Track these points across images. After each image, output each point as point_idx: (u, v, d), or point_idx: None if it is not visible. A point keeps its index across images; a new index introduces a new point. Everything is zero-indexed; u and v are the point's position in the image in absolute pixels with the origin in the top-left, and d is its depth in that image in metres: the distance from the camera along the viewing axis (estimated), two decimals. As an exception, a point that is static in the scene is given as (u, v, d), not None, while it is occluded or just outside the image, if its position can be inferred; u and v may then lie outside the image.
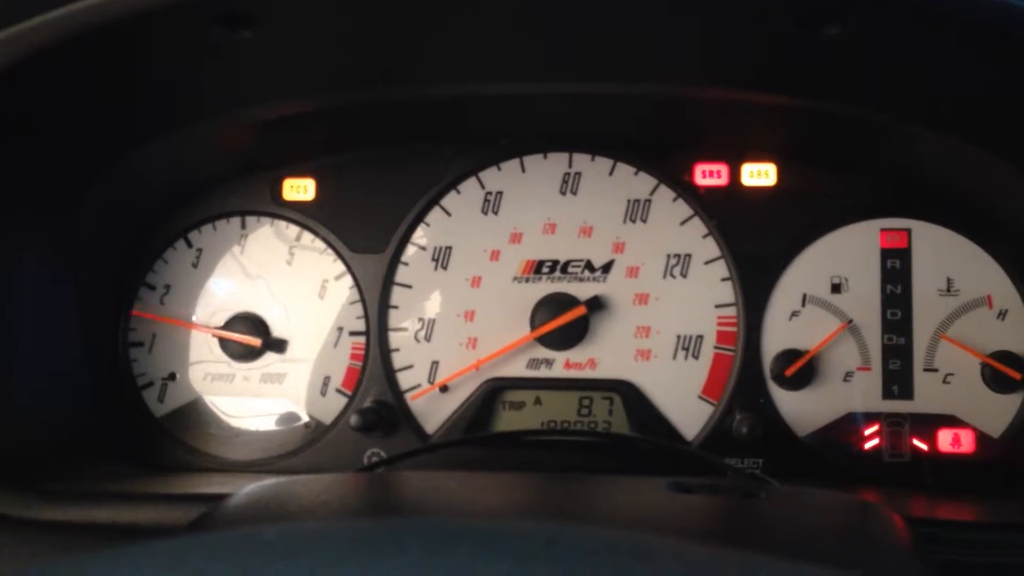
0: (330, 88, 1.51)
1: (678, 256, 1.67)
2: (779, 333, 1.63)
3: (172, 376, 1.74)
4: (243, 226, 1.76)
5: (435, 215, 1.72)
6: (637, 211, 1.69)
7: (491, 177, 1.72)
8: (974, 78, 1.27)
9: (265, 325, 1.73)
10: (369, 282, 1.72)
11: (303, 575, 0.48)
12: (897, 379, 1.60)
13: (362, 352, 1.71)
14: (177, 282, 1.75)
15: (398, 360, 1.71)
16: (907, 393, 1.60)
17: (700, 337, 1.66)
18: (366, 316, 1.71)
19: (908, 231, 1.62)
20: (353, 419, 1.63)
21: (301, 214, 1.74)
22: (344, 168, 1.75)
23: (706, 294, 1.66)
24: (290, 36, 1.28)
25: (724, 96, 1.47)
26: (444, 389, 1.69)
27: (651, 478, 1.18)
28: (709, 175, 1.68)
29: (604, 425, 1.66)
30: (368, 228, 1.72)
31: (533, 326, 1.67)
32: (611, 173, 1.70)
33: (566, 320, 1.65)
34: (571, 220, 1.70)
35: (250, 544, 0.54)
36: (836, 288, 1.63)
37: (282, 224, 1.75)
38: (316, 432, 1.71)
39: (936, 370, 1.60)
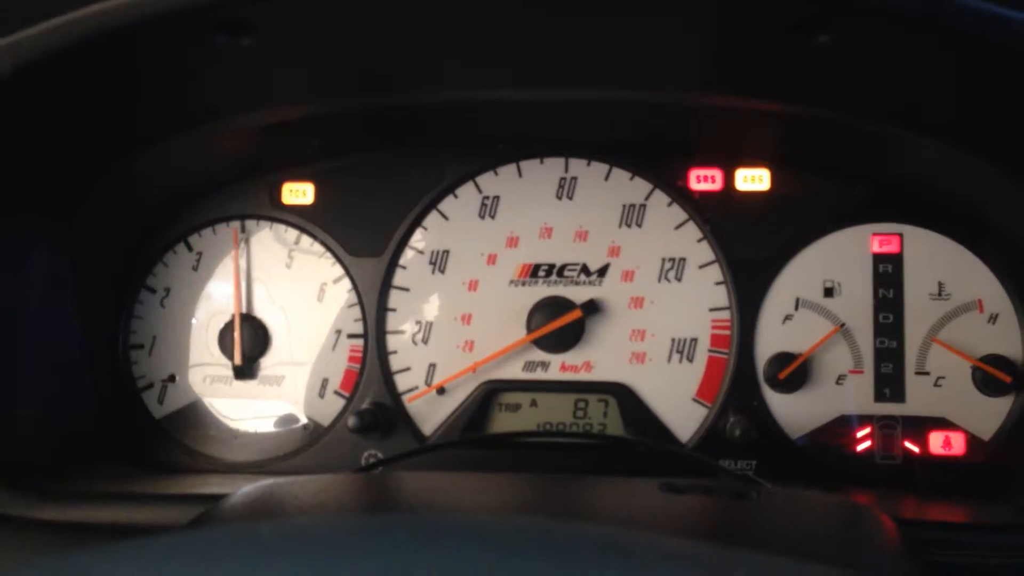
0: (329, 94, 1.53)
1: (673, 260, 1.69)
2: (772, 336, 1.65)
3: (172, 378, 1.76)
4: (243, 230, 1.77)
5: (433, 219, 1.74)
6: (632, 216, 1.71)
7: (488, 182, 1.74)
8: (961, 84, 1.29)
9: (264, 328, 1.75)
10: (367, 285, 1.73)
11: (294, 571, 0.50)
12: (889, 382, 1.62)
13: (360, 355, 1.73)
14: (177, 285, 1.77)
15: (396, 362, 1.72)
16: (899, 396, 1.62)
17: (694, 340, 1.67)
18: (364, 319, 1.73)
19: (900, 236, 1.64)
20: (351, 421, 1.65)
21: (300, 218, 1.76)
22: (343, 173, 1.77)
23: (700, 298, 1.68)
24: (289, 43, 1.30)
25: (718, 103, 1.49)
26: (441, 391, 1.71)
27: (643, 479, 1.20)
28: (704, 180, 1.70)
29: (599, 427, 1.68)
30: (366, 232, 1.74)
31: (529, 329, 1.69)
32: (607, 178, 1.72)
33: (562, 323, 1.67)
34: (567, 224, 1.72)
35: (241, 541, 0.55)
36: (829, 292, 1.65)
37: (281, 228, 1.77)
38: (314, 434, 1.72)
39: (928, 373, 1.61)
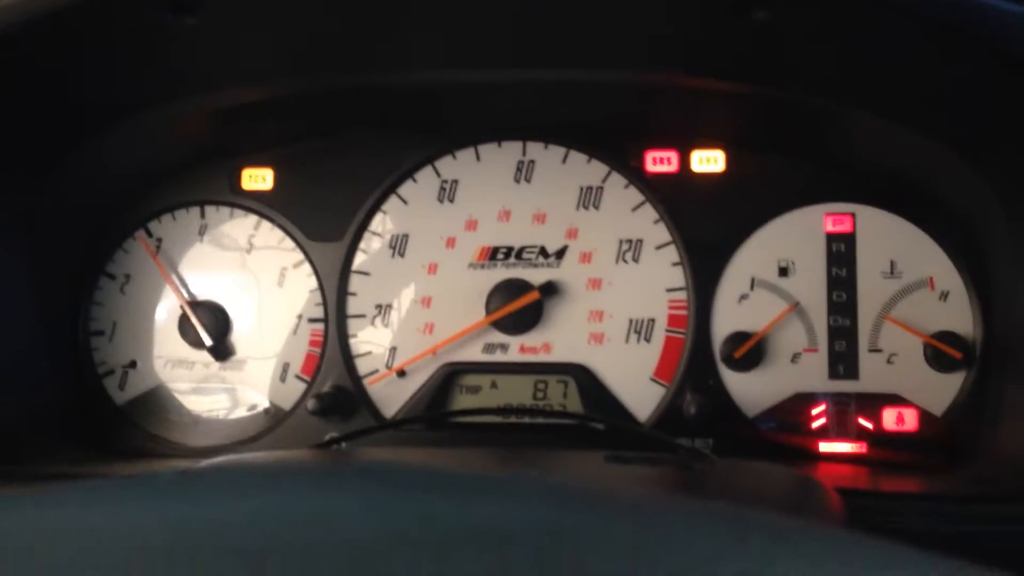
0: (283, 75, 1.54)
1: (630, 242, 1.70)
2: (728, 316, 1.67)
3: (133, 364, 1.76)
4: (202, 215, 1.78)
5: (392, 203, 1.75)
6: (590, 198, 1.72)
7: (447, 166, 1.75)
8: (899, 60, 1.31)
9: (225, 314, 1.75)
10: (327, 270, 1.74)
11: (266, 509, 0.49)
12: (843, 360, 1.64)
13: (321, 339, 1.73)
14: (137, 272, 1.78)
15: (356, 346, 1.73)
16: (852, 373, 1.63)
17: (652, 321, 1.69)
18: (324, 303, 1.74)
19: (853, 215, 1.66)
20: (311, 403, 1.66)
21: (260, 203, 1.77)
22: (302, 158, 1.78)
23: (657, 278, 1.69)
24: (237, 21, 1.31)
25: (666, 81, 1.51)
26: (402, 374, 1.72)
27: (591, 452, 1.21)
28: (660, 162, 1.71)
29: (559, 407, 1.69)
30: (326, 217, 1.75)
31: (488, 311, 1.70)
32: (564, 161, 1.73)
33: (520, 305, 1.68)
34: (525, 207, 1.73)
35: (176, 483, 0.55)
36: (783, 271, 1.67)
37: (241, 214, 1.78)
38: (276, 418, 1.73)
39: (880, 351, 1.63)
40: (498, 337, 1.71)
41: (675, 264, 1.69)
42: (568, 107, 1.68)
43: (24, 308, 1.63)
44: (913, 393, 1.62)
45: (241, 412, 1.74)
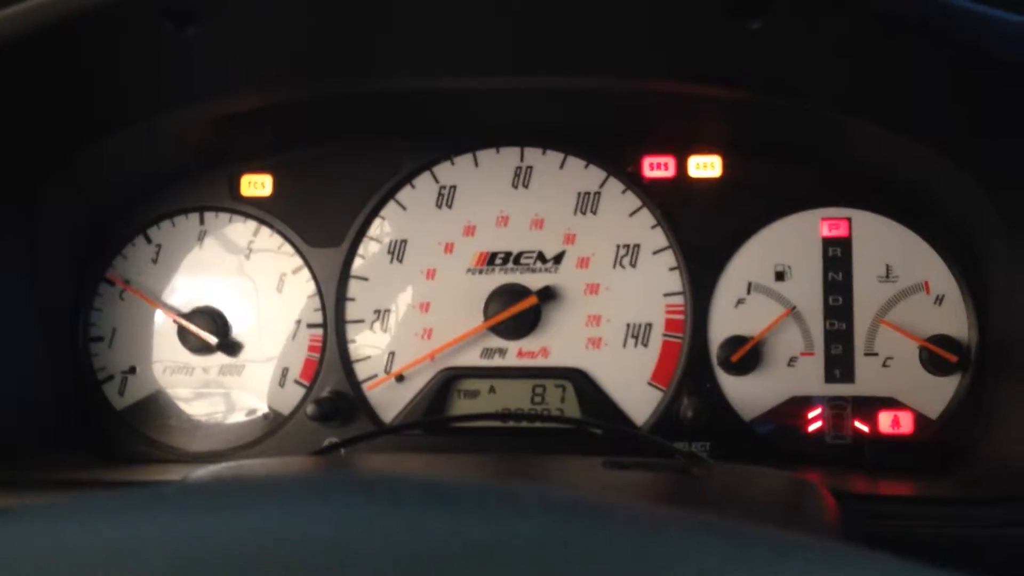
0: (283, 84, 1.55)
1: (627, 247, 1.72)
2: (725, 320, 1.68)
3: (132, 369, 1.77)
4: (202, 222, 1.79)
5: (390, 209, 1.76)
6: (587, 203, 1.73)
7: (445, 171, 1.76)
8: (901, 70, 1.32)
9: (224, 319, 1.76)
10: (326, 275, 1.75)
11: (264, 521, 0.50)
12: (839, 363, 1.65)
13: (320, 344, 1.74)
14: (137, 278, 1.78)
15: (355, 351, 1.74)
16: (848, 377, 1.65)
17: (649, 325, 1.70)
18: (323, 308, 1.75)
19: (849, 220, 1.67)
20: (310, 408, 1.67)
21: (259, 209, 1.78)
22: (301, 164, 1.78)
23: (655, 283, 1.70)
24: (236, 32, 1.32)
25: (663, 89, 1.52)
26: (400, 379, 1.73)
27: (589, 457, 1.22)
28: (657, 167, 1.72)
29: (557, 412, 1.70)
30: (325, 222, 1.76)
31: (486, 316, 1.71)
32: (562, 166, 1.74)
33: (518, 310, 1.69)
34: (523, 213, 1.74)
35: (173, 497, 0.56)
36: (780, 276, 1.68)
37: (240, 220, 1.78)
38: (275, 423, 1.74)
39: (876, 354, 1.65)
40: (496, 342, 1.72)
41: (672, 269, 1.70)
42: (565, 113, 1.69)
43: (24, 314, 1.63)
44: (908, 396, 1.63)
45: (240, 417, 1.75)
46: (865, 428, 1.63)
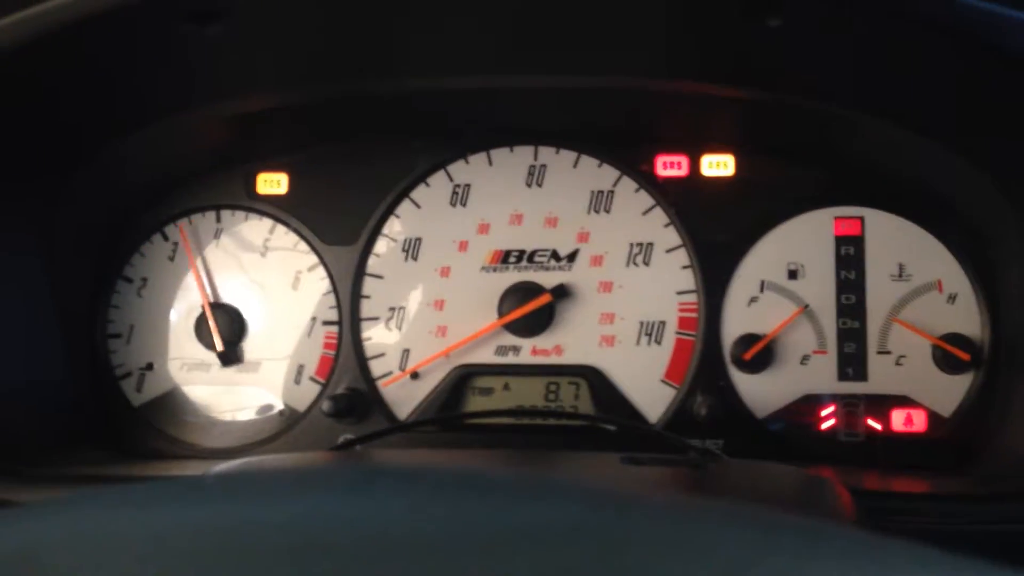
0: (301, 83, 1.56)
1: (640, 245, 1.72)
2: (738, 318, 1.69)
3: (150, 366, 1.79)
4: (218, 220, 1.80)
5: (405, 207, 1.77)
6: (601, 202, 1.74)
7: (459, 170, 1.77)
8: (915, 69, 1.33)
9: (240, 317, 1.78)
10: (341, 273, 1.76)
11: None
12: (852, 361, 1.66)
13: (335, 341, 1.76)
14: (154, 275, 1.80)
15: (370, 348, 1.75)
16: (861, 375, 1.65)
17: (662, 323, 1.71)
18: (338, 306, 1.76)
19: (861, 219, 1.68)
20: (325, 405, 1.68)
21: (275, 207, 1.79)
22: (317, 163, 1.80)
23: (668, 281, 1.71)
24: (257, 31, 1.33)
25: (678, 88, 1.52)
26: (415, 376, 1.74)
27: (605, 453, 1.23)
28: (670, 166, 1.73)
29: (571, 409, 1.71)
30: (340, 221, 1.77)
31: (500, 314, 1.72)
32: (575, 165, 1.75)
33: (532, 308, 1.70)
34: (537, 211, 1.75)
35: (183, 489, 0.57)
36: (793, 274, 1.69)
37: (256, 218, 1.80)
38: (290, 419, 1.75)
39: (889, 352, 1.65)
40: (510, 339, 1.73)
41: (685, 267, 1.71)
42: (579, 113, 1.70)
43: (43, 311, 1.65)
44: (921, 394, 1.64)
45: (256, 414, 1.77)
46: (878, 426, 1.64)
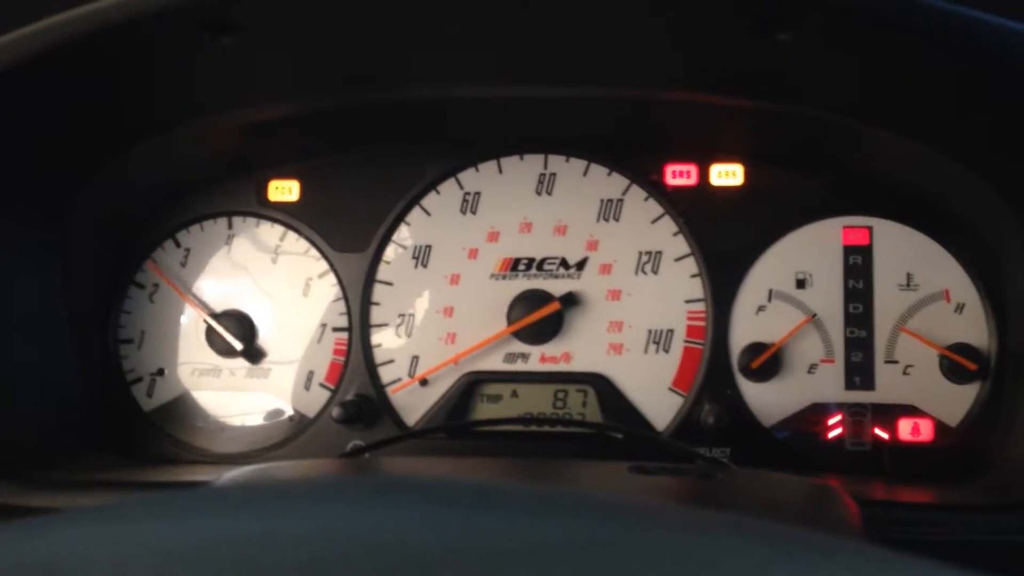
0: (312, 92, 1.58)
1: (649, 253, 1.73)
2: (746, 327, 1.69)
3: (160, 371, 1.80)
4: (230, 226, 1.82)
5: (415, 215, 1.78)
6: (610, 210, 1.75)
7: (469, 178, 1.78)
8: (923, 81, 1.33)
9: (251, 322, 1.79)
10: (351, 280, 1.78)
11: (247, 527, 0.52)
12: (859, 371, 1.66)
13: (345, 347, 1.77)
14: (166, 281, 1.81)
15: (379, 355, 1.76)
16: (869, 384, 1.66)
17: (670, 331, 1.72)
18: (348, 313, 1.77)
19: (869, 228, 1.69)
20: (335, 411, 1.69)
21: (286, 214, 1.80)
22: (327, 170, 1.81)
23: (676, 290, 1.72)
24: (270, 42, 1.34)
25: (687, 99, 1.53)
26: (424, 383, 1.75)
27: (614, 462, 1.24)
28: (679, 175, 1.74)
29: (579, 417, 1.72)
30: (351, 228, 1.78)
31: (509, 321, 1.73)
32: (585, 174, 1.76)
33: (541, 315, 1.71)
34: (546, 219, 1.76)
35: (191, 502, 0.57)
36: (801, 283, 1.69)
37: (267, 224, 1.81)
38: (300, 425, 1.76)
39: (896, 362, 1.66)
40: (519, 347, 1.74)
41: (693, 276, 1.72)
42: (590, 122, 1.71)
43: (55, 316, 1.66)
44: (928, 404, 1.64)
45: (266, 419, 1.78)
46: (885, 435, 1.64)
